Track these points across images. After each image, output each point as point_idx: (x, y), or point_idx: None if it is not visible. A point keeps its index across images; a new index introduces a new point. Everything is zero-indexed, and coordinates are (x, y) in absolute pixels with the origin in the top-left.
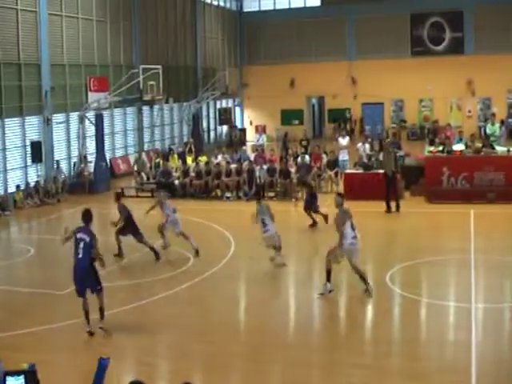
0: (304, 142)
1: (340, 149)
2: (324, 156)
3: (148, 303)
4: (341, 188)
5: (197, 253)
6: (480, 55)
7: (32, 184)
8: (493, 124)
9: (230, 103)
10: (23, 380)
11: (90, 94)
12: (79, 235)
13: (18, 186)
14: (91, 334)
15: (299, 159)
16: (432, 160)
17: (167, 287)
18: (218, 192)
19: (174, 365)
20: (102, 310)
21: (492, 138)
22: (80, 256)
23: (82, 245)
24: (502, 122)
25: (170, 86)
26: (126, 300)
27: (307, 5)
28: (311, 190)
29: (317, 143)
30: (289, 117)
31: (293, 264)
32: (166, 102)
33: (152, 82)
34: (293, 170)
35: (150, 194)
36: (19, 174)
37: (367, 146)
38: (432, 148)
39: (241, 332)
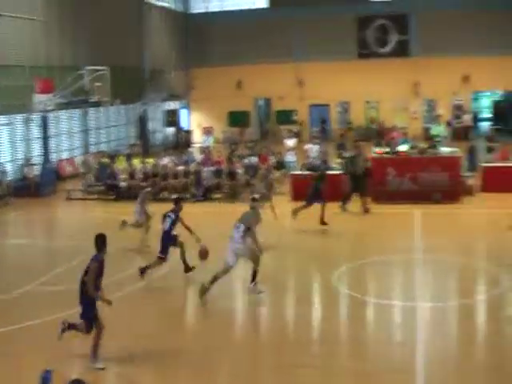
0: (251, 144)
1: (287, 150)
2: (271, 157)
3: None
4: (287, 189)
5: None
6: (425, 58)
7: None
8: (438, 125)
9: (177, 105)
10: None
11: (35, 95)
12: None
13: None
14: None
15: (246, 160)
16: (378, 161)
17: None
18: (166, 194)
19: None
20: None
21: (437, 139)
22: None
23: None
24: (448, 124)
25: (116, 88)
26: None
27: (255, 6)
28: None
29: (264, 144)
30: (236, 118)
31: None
32: (113, 103)
33: (99, 84)
34: (240, 171)
35: (96, 197)
36: None
37: (317, 146)
38: (378, 149)
39: (189, 333)
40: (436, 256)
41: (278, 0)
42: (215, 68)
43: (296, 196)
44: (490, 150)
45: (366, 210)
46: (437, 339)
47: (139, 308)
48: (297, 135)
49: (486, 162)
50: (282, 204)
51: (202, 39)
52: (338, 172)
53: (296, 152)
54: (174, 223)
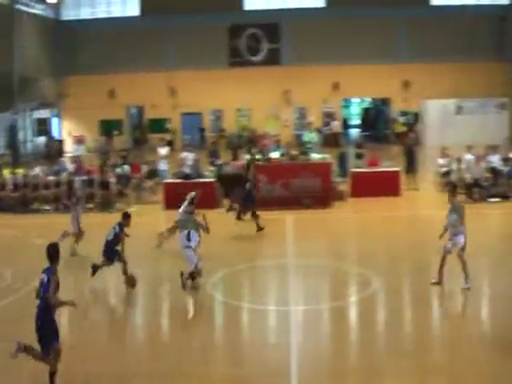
0: (123, 153)
1: (160, 158)
2: (144, 166)
3: None
4: (159, 198)
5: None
6: (296, 66)
7: None
8: (310, 132)
9: (48, 113)
10: None
11: None
12: (41, 276)
13: None
14: None
15: (119, 169)
16: None
17: None
18: (37, 204)
19: None
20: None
21: (309, 146)
22: (38, 302)
23: (40, 288)
24: (318, 131)
25: None
26: None
27: (127, 14)
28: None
29: (137, 153)
30: (108, 127)
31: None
32: None
33: None
34: (112, 180)
35: None
36: None
37: (193, 154)
38: (250, 156)
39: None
40: (309, 260)
41: (150, 8)
42: (87, 76)
43: (169, 204)
44: (359, 156)
45: (240, 218)
46: (311, 341)
47: None
48: (170, 144)
49: (356, 168)
50: (155, 213)
51: (75, 47)
52: (210, 180)
53: (169, 161)
54: (117, 236)
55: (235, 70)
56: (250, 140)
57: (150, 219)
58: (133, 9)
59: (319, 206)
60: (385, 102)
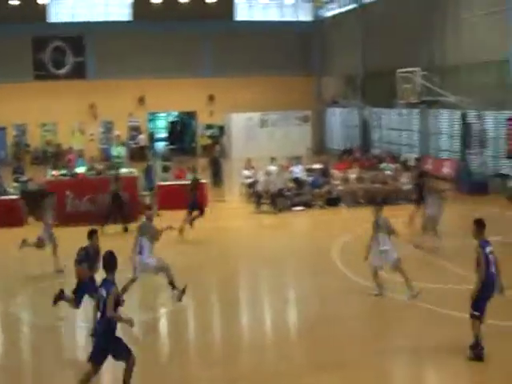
0: None
1: None
2: None
3: None
4: None
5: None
6: (102, 80)
7: None
8: (117, 146)
9: None
10: None
11: None
12: (100, 290)
13: None
14: None
15: None
16: (55, 183)
17: None
18: None
19: None
20: None
21: (117, 160)
22: (98, 318)
23: (101, 304)
24: (123, 144)
25: None
26: None
27: None
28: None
29: None
30: None
31: None
32: None
33: None
34: None
35: None
36: None
37: None
38: (55, 171)
39: None
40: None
41: None
42: None
43: None
44: (165, 168)
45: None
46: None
47: None
48: None
49: (163, 181)
50: None
51: None
52: (14, 196)
53: None
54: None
55: (40, 83)
56: (55, 155)
57: None
58: None
59: (126, 220)
60: (191, 115)
